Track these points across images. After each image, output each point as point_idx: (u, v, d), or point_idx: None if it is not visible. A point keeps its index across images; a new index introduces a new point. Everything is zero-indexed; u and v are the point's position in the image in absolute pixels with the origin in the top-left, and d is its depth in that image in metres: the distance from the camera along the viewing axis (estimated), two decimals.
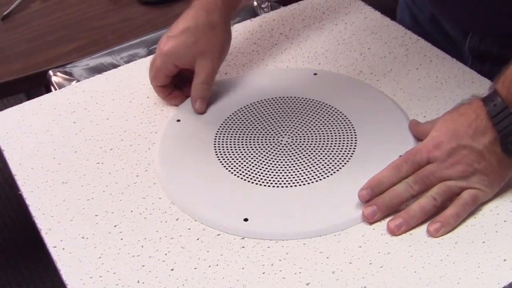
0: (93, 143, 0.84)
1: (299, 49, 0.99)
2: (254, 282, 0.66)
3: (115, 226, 0.73)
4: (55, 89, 1.01)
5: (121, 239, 0.71)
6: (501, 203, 0.72)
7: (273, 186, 0.75)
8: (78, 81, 0.97)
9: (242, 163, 0.78)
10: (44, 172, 0.81)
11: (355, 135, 0.81)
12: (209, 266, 0.68)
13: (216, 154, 0.80)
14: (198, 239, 0.71)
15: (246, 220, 0.71)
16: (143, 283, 0.67)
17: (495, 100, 0.69)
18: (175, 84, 0.90)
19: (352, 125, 0.83)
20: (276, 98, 0.88)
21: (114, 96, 0.93)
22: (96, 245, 0.71)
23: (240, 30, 1.03)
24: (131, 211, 0.75)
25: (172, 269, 0.68)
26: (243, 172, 0.77)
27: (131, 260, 0.69)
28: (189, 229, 0.72)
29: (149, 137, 0.85)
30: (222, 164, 0.78)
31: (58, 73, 1.00)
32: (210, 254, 0.69)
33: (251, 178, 0.76)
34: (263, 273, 0.67)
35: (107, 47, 1.11)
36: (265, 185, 0.75)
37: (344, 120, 0.84)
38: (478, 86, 0.88)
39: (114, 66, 1.02)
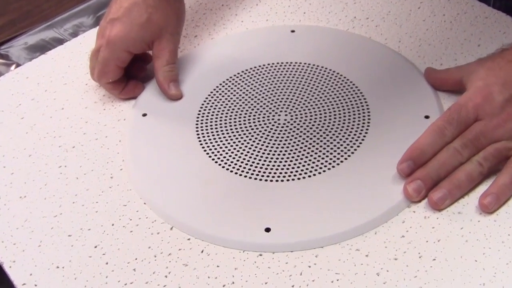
0: (50, 142, 0.69)
1: None
2: None
3: (95, 247, 0.59)
4: None
5: (106, 263, 0.57)
6: None
7: (282, 180, 0.61)
8: (18, 64, 0.81)
9: (236, 156, 0.64)
10: None
11: (366, 101, 0.68)
12: (224, 286, 0.54)
13: (203, 147, 0.65)
14: (202, 252, 0.57)
15: (268, 230, 0.57)
16: None
17: None
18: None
19: (359, 89, 0.69)
20: (259, 66, 0.74)
21: (66, 79, 0.77)
22: (76, 275, 0.57)
23: None
24: (112, 225, 0.60)
25: None
26: (240, 167, 0.63)
27: None
28: (189, 239, 0.58)
29: (117, 126, 0.70)
30: (213, 159, 0.64)
31: None
32: (222, 270, 0.55)
33: (252, 174, 0.62)
34: (293, 286, 0.54)
35: (45, 19, 0.94)
36: (271, 180, 0.61)
37: (348, 85, 0.70)
38: (493, 22, 0.75)
39: (59, 41, 0.85)
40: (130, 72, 0.73)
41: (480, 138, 0.58)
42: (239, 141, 0.65)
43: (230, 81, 0.72)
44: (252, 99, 0.70)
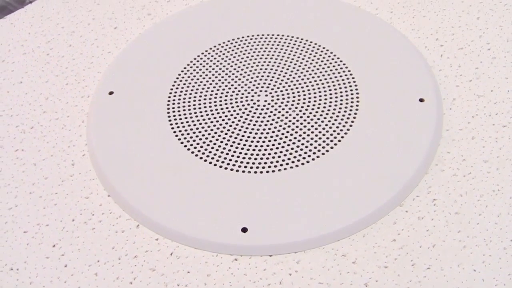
0: (6, 121, 0.63)
1: None
2: None
3: (53, 245, 0.53)
4: None
5: (65, 266, 0.51)
6: None
7: (261, 172, 0.55)
8: None
9: (211, 143, 0.58)
10: None
11: (354, 81, 0.62)
12: None
13: (174, 132, 0.59)
14: (172, 254, 0.52)
15: (245, 230, 0.52)
16: None
17: None
18: None
19: (346, 67, 0.63)
20: (238, 39, 0.67)
21: (26, 48, 0.70)
22: (31, 279, 0.51)
23: None
24: (73, 220, 0.54)
25: None
26: (215, 155, 0.57)
27: None
28: (157, 239, 0.53)
29: (80, 104, 0.63)
30: (185, 145, 0.58)
31: None
32: (193, 277, 0.50)
33: (228, 164, 0.56)
34: None
35: None
36: (249, 172, 0.56)
37: (336, 61, 0.64)
38: None
39: (21, 1, 0.78)
40: None
41: None
42: (215, 126, 0.59)
43: (205, 55, 0.66)
44: (229, 76, 0.63)
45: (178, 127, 0.59)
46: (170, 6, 0.72)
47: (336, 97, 0.60)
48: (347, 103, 0.60)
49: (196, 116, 0.60)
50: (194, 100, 0.61)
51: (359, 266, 0.49)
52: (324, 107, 0.59)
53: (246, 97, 0.61)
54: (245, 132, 0.58)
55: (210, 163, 0.56)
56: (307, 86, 0.61)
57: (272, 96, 0.61)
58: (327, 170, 0.55)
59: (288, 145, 0.57)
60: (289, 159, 0.56)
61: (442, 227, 0.51)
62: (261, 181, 0.54)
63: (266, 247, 0.51)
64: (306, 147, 0.56)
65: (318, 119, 0.58)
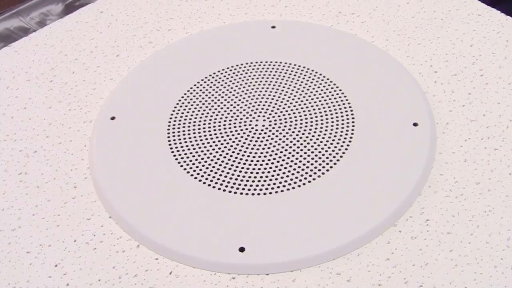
0: (10, 145, 0.64)
1: None
2: None
3: (56, 265, 0.54)
4: None
5: (67, 285, 0.53)
6: None
7: (258, 194, 0.57)
8: None
9: (210, 166, 0.60)
10: None
11: (350, 106, 0.63)
12: None
13: (174, 156, 0.61)
14: (171, 273, 0.53)
15: (242, 250, 0.53)
16: None
17: None
18: None
19: (343, 93, 0.65)
20: (237, 66, 0.69)
21: (29, 75, 0.72)
22: None
23: None
24: (74, 241, 0.56)
25: None
26: (213, 178, 0.59)
27: None
28: (157, 259, 0.54)
29: (82, 129, 0.65)
30: (185, 169, 0.59)
31: None
32: None
33: (226, 186, 0.58)
34: None
35: (9, 6, 0.88)
36: (246, 194, 0.57)
37: (332, 87, 0.65)
38: (487, 20, 0.71)
39: (25, 30, 0.80)
40: None
41: None
42: (213, 149, 0.61)
43: (205, 82, 0.67)
44: (228, 102, 0.65)
45: (178, 151, 0.61)
46: (171, 35, 0.74)
47: (332, 122, 0.62)
48: (343, 128, 0.61)
49: (196, 140, 0.61)
50: (194, 125, 0.63)
51: (353, 284, 0.50)
52: (321, 132, 0.61)
53: (245, 122, 0.63)
54: (243, 155, 0.60)
55: (209, 185, 0.58)
56: (304, 111, 0.63)
57: (270, 121, 0.63)
58: (323, 192, 0.56)
59: (285, 167, 0.58)
60: (285, 181, 0.57)
61: (434, 246, 0.52)
62: (258, 203, 0.56)
63: (263, 266, 0.52)
64: (303, 169, 0.58)
65: (315, 143, 0.60)
